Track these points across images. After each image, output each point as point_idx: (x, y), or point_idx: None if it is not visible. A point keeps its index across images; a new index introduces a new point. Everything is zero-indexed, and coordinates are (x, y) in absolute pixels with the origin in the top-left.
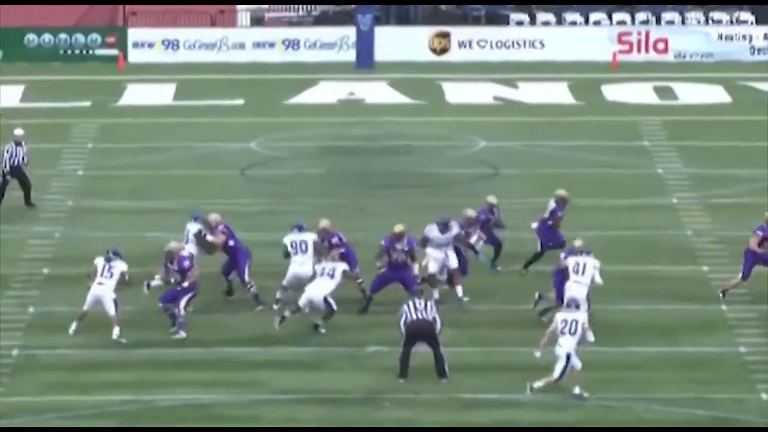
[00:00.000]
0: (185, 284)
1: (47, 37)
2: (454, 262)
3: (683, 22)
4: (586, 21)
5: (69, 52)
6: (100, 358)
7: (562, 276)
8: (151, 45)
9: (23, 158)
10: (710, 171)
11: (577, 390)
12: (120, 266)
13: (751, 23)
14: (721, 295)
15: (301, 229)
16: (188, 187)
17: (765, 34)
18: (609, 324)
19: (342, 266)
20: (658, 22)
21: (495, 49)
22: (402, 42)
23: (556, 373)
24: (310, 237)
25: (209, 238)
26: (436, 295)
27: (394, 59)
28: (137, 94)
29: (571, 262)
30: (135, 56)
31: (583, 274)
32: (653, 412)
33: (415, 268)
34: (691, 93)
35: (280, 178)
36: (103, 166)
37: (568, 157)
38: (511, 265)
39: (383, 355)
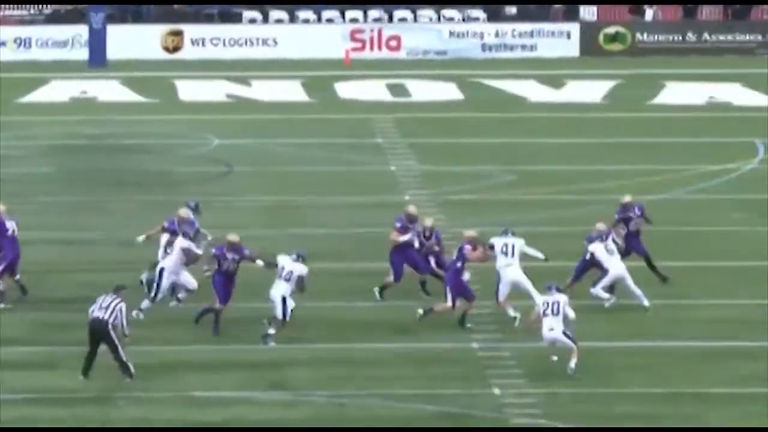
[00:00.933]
0: None
1: None
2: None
3: (415, 19)
4: (319, 19)
5: None
6: None
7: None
8: None
9: None
10: (443, 168)
11: (572, 363)
12: None
13: (483, 20)
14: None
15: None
16: None
17: (497, 32)
18: (342, 321)
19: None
20: (391, 20)
21: (228, 47)
22: (135, 40)
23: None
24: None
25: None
26: None
27: (127, 57)
28: None
29: (498, 243)
30: None
31: (513, 255)
32: (386, 408)
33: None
34: (424, 90)
35: (11, 177)
36: None
37: (302, 154)
38: (245, 261)
39: None
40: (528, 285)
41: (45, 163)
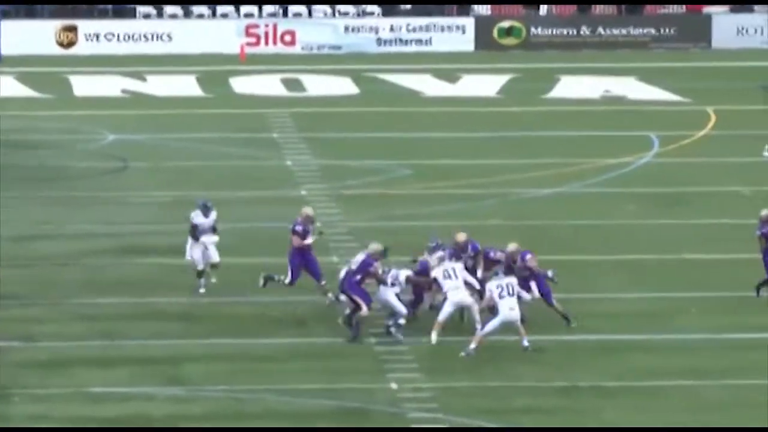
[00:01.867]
0: None
1: None
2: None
3: (310, 14)
4: (214, 14)
5: None
6: None
7: None
8: None
9: None
10: (339, 162)
11: (525, 342)
12: None
13: (378, 15)
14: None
15: None
16: None
17: (391, 26)
18: (239, 316)
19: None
20: (286, 14)
21: (123, 42)
22: (29, 36)
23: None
24: None
25: None
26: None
27: (21, 53)
28: None
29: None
30: None
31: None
32: (284, 403)
33: None
34: (319, 85)
35: None
36: None
37: (198, 149)
38: (141, 257)
39: (11, 350)
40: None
41: None
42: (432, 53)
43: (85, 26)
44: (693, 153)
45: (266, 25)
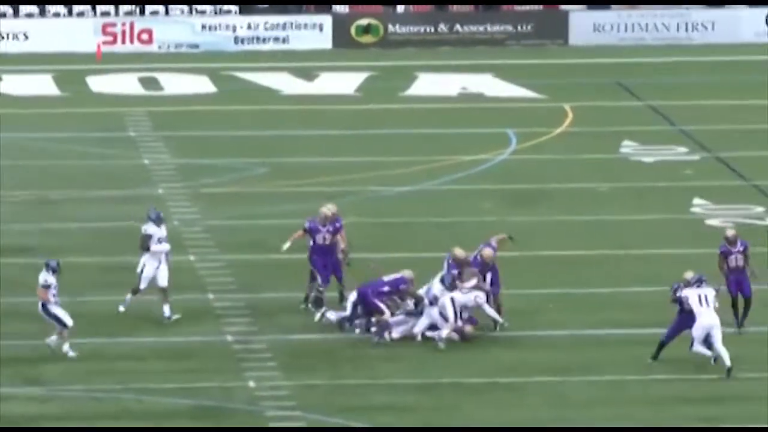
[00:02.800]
0: None
1: None
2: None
3: (167, 13)
4: (70, 12)
5: None
6: None
7: None
8: None
9: None
10: (197, 161)
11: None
12: None
13: (235, 13)
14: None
15: None
16: None
17: (249, 24)
18: (96, 315)
19: None
20: (142, 12)
21: None
22: None
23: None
24: None
25: None
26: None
27: None
28: None
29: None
30: None
31: None
32: (141, 402)
33: None
34: (177, 83)
35: None
36: None
37: (56, 149)
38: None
39: None
40: None
41: None
42: (290, 51)
43: None
44: (550, 150)
45: (123, 24)
